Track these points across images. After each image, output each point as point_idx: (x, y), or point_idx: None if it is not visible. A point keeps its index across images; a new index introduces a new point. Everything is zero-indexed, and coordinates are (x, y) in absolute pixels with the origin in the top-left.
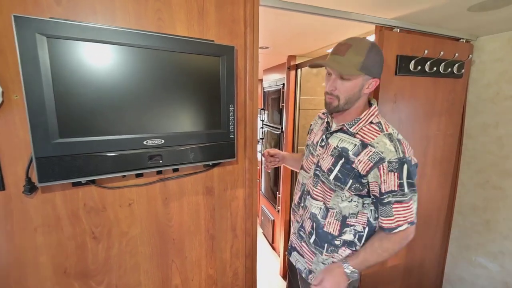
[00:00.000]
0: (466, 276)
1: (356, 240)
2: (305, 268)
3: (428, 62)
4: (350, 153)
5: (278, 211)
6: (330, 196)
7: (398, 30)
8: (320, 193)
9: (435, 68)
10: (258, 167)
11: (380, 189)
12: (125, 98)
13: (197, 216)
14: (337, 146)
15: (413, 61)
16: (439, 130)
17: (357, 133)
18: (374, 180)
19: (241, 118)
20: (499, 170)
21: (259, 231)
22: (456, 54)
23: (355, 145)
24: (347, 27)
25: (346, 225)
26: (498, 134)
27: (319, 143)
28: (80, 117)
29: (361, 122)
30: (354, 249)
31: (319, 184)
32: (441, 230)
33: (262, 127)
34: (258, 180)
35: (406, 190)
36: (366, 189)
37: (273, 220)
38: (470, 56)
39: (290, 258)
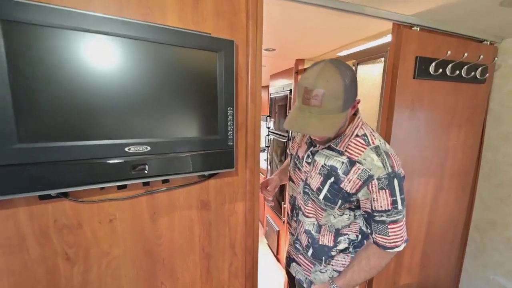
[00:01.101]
0: None
1: (350, 247)
2: (306, 278)
3: (450, 65)
4: (340, 171)
5: (284, 222)
6: (322, 215)
7: (418, 28)
8: (312, 210)
9: (457, 72)
10: (262, 175)
11: (372, 206)
12: (102, 96)
13: (190, 233)
14: (325, 164)
15: (433, 63)
16: (458, 140)
17: (344, 150)
18: (365, 198)
19: (242, 124)
20: None
21: (264, 241)
22: (481, 57)
23: (343, 163)
24: (361, 25)
25: (340, 235)
26: None
27: (305, 159)
28: (46, 119)
29: (346, 138)
30: (347, 252)
31: (309, 202)
32: (457, 246)
33: (268, 135)
34: None
35: (400, 207)
36: (355, 204)
37: (278, 231)
38: (496, 59)
39: (289, 270)
